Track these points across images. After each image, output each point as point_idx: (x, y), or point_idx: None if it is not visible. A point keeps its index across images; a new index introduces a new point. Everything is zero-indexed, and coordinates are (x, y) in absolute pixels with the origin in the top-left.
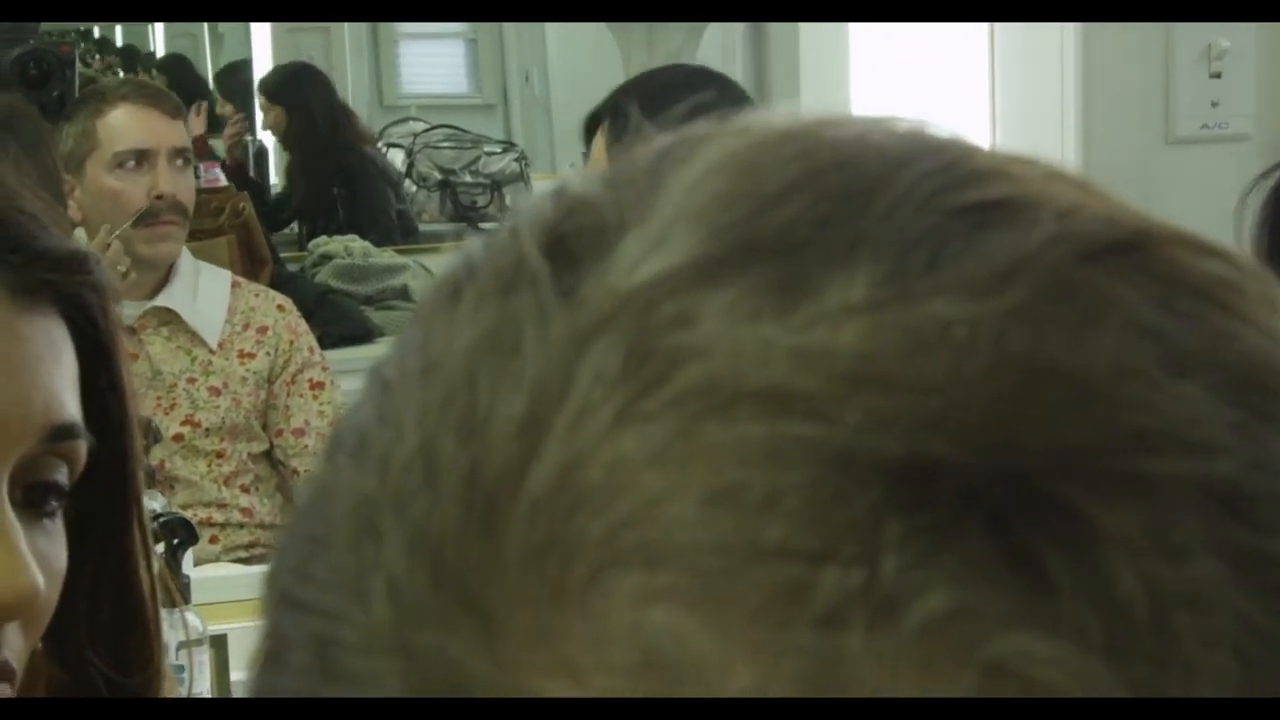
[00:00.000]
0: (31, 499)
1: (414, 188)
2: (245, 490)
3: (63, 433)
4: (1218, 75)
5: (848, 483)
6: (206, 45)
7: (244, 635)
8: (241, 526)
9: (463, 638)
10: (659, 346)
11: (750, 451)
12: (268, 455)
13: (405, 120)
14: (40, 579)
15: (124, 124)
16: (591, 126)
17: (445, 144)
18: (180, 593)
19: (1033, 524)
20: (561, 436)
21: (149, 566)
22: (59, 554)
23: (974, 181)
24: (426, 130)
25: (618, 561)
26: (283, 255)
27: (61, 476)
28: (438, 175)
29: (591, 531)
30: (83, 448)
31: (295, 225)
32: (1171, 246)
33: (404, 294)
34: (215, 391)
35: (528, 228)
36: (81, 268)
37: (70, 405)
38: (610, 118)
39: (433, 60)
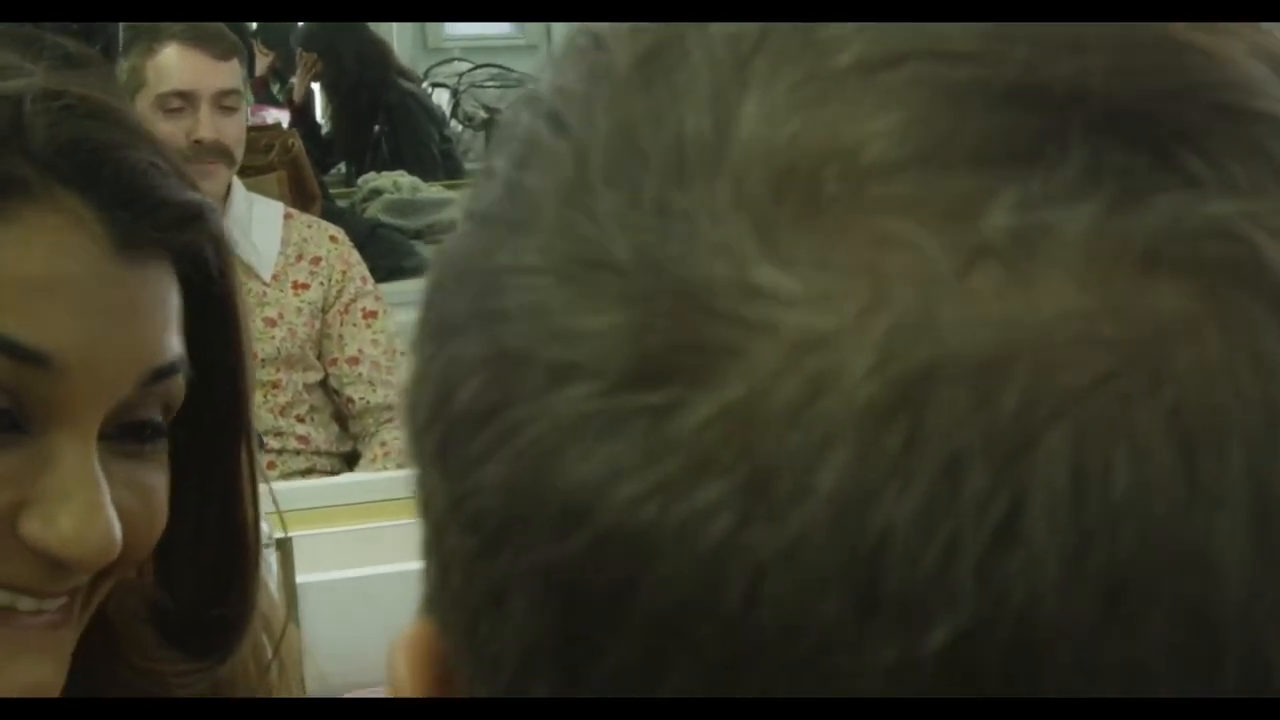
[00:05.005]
0: (125, 434)
1: (459, 127)
2: (301, 420)
3: (159, 374)
4: None
5: (1018, 109)
6: None
7: (304, 541)
8: (298, 453)
9: (692, 235)
10: (816, 38)
11: (926, 92)
12: (323, 384)
13: (450, 60)
14: (119, 535)
15: (170, 65)
16: None
17: (490, 83)
18: None
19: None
20: (755, 100)
21: (254, 497)
22: (158, 482)
23: None
24: (471, 70)
25: (829, 181)
26: (331, 193)
27: (156, 414)
28: (483, 114)
29: (800, 166)
30: (180, 381)
31: (343, 166)
32: None
33: (453, 229)
34: (270, 322)
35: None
36: (195, 220)
37: (171, 346)
38: None
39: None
